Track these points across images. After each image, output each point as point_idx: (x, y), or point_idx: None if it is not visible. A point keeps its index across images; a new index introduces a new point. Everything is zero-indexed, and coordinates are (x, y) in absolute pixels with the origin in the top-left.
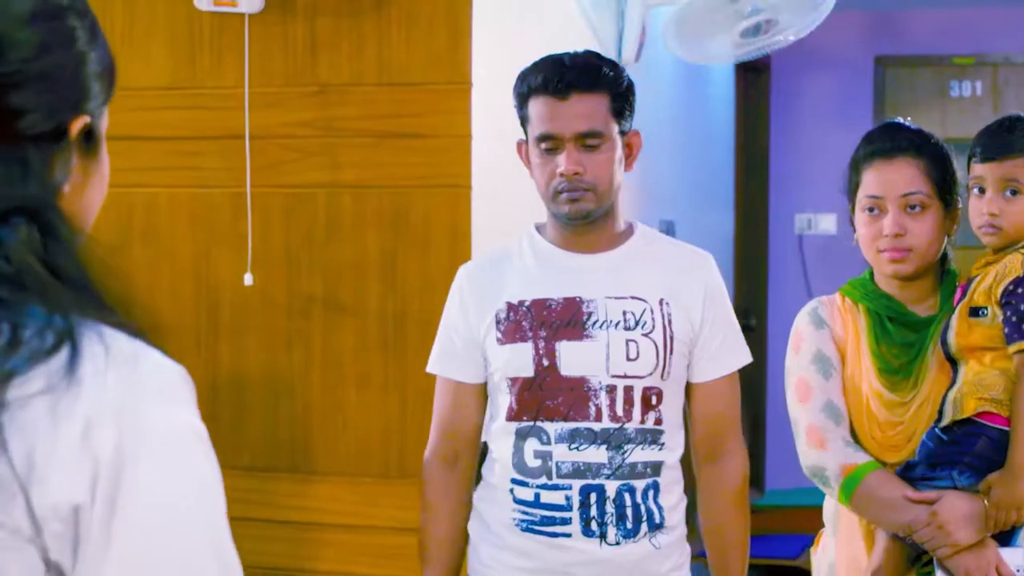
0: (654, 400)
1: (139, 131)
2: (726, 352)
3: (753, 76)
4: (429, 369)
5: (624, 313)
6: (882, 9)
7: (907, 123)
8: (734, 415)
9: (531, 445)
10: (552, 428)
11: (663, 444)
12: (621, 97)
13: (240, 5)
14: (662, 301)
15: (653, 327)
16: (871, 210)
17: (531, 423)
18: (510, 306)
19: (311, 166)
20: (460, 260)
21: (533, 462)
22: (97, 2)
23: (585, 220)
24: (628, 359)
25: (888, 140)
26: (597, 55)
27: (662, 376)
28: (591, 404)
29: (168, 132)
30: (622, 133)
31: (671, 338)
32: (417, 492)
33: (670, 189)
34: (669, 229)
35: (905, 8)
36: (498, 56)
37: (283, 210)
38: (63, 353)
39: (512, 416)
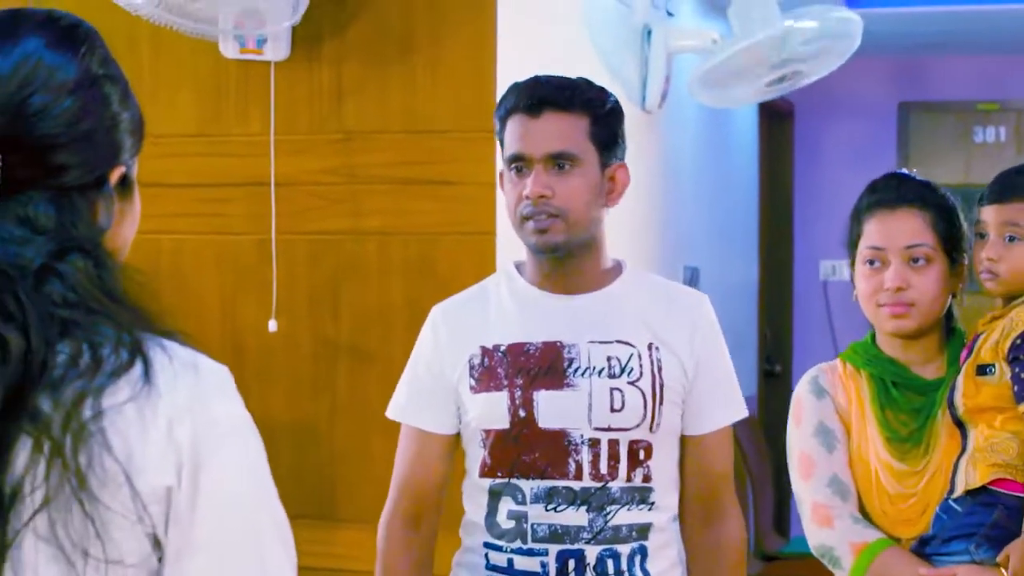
0: (642, 455)
1: (166, 178)
2: (720, 404)
3: (777, 122)
4: (391, 414)
5: (609, 359)
6: (906, 55)
7: (913, 174)
8: (727, 473)
9: (505, 504)
10: (527, 486)
11: (652, 504)
12: (602, 121)
13: (266, 53)
14: (651, 346)
15: (641, 374)
16: (872, 262)
17: (505, 480)
18: (484, 351)
19: (336, 213)
20: None
21: (507, 523)
22: (125, 50)
23: (554, 254)
24: (612, 409)
25: (892, 190)
26: (586, 80)
27: (651, 428)
28: (570, 460)
29: (194, 179)
30: (604, 164)
31: (661, 386)
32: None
33: (694, 235)
34: (693, 276)
35: (929, 54)
36: None
37: (308, 257)
38: (138, 365)
39: (485, 472)
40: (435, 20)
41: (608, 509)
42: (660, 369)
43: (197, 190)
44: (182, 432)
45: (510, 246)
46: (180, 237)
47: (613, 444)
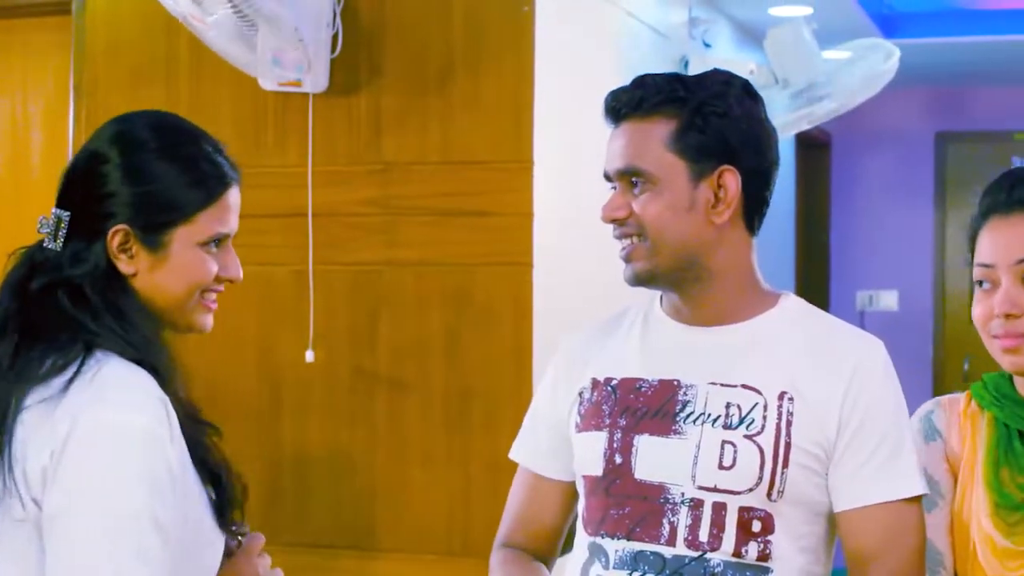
0: (757, 526)
1: None
2: (874, 475)
3: (814, 152)
4: (511, 455)
5: (728, 406)
6: (943, 85)
7: None
8: (896, 563)
9: (593, 568)
10: (613, 548)
11: None
12: (694, 123)
13: (305, 85)
14: (783, 395)
15: (763, 428)
16: (981, 283)
17: (594, 538)
18: (595, 384)
19: (373, 244)
20: (523, 338)
21: None
22: (163, 82)
23: (645, 285)
24: (721, 466)
25: (1004, 192)
26: (678, 76)
27: (769, 495)
28: (665, 521)
29: None
30: (699, 174)
31: (787, 445)
32: (480, 570)
33: None
34: None
35: (966, 85)
36: (560, 135)
37: (346, 288)
38: (68, 373)
39: (584, 526)
40: (473, 51)
41: None
42: (790, 424)
43: None
44: (62, 427)
45: (547, 277)
46: None
47: (719, 508)
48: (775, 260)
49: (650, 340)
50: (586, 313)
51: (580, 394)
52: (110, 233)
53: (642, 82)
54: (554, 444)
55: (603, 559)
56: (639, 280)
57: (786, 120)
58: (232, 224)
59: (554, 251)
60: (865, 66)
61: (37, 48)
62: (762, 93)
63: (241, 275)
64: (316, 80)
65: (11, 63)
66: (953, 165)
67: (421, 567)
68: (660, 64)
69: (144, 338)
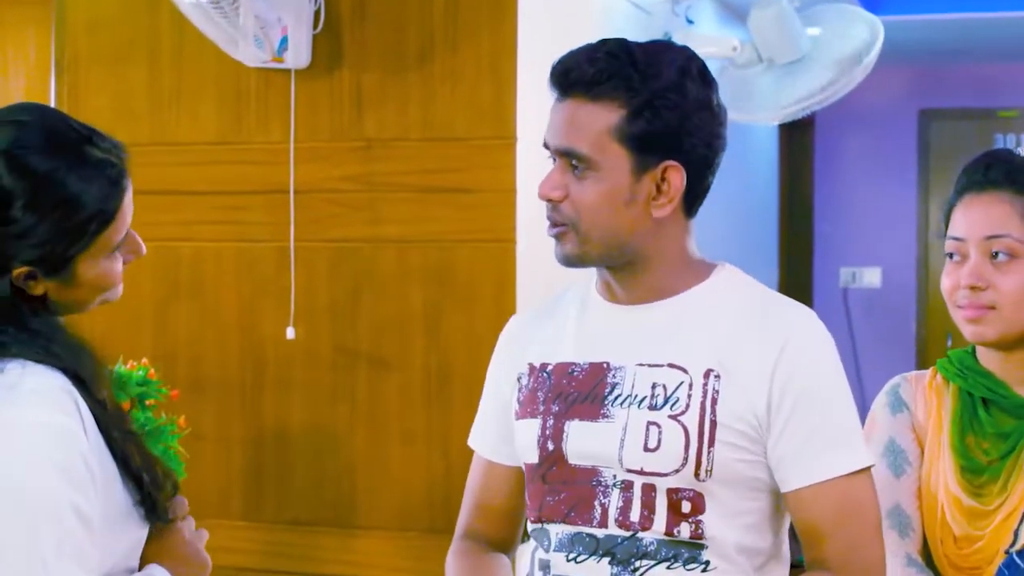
0: (686, 507)
1: (186, 186)
2: (818, 450)
3: (797, 131)
4: (468, 441)
5: (654, 387)
6: (926, 63)
7: (1017, 152)
8: (843, 539)
9: (538, 554)
10: (553, 531)
11: (708, 566)
12: (644, 113)
13: (287, 61)
14: (709, 373)
15: (687, 407)
16: (951, 256)
17: (537, 524)
18: (532, 370)
19: (355, 220)
20: (505, 315)
21: (536, 573)
22: (146, 58)
23: (573, 267)
24: (647, 448)
25: (980, 171)
26: (632, 55)
27: (697, 475)
28: (596, 504)
29: (214, 187)
30: (642, 167)
31: (712, 424)
32: None
33: (714, 244)
34: None
35: (949, 62)
36: (543, 111)
37: (327, 264)
38: None
39: (528, 513)
40: (455, 28)
41: (637, 565)
42: (715, 403)
43: (217, 198)
44: None
45: (530, 254)
46: (200, 244)
47: (648, 490)
48: (758, 238)
49: (584, 322)
50: None
51: (519, 379)
52: (14, 273)
53: (594, 56)
54: (502, 430)
55: (545, 543)
56: (568, 262)
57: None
58: (130, 219)
59: (537, 228)
60: (850, 42)
61: (18, 24)
62: (745, 72)
63: (144, 250)
64: (298, 56)
65: None
66: (936, 142)
67: (402, 544)
68: (643, 39)
69: (66, 347)
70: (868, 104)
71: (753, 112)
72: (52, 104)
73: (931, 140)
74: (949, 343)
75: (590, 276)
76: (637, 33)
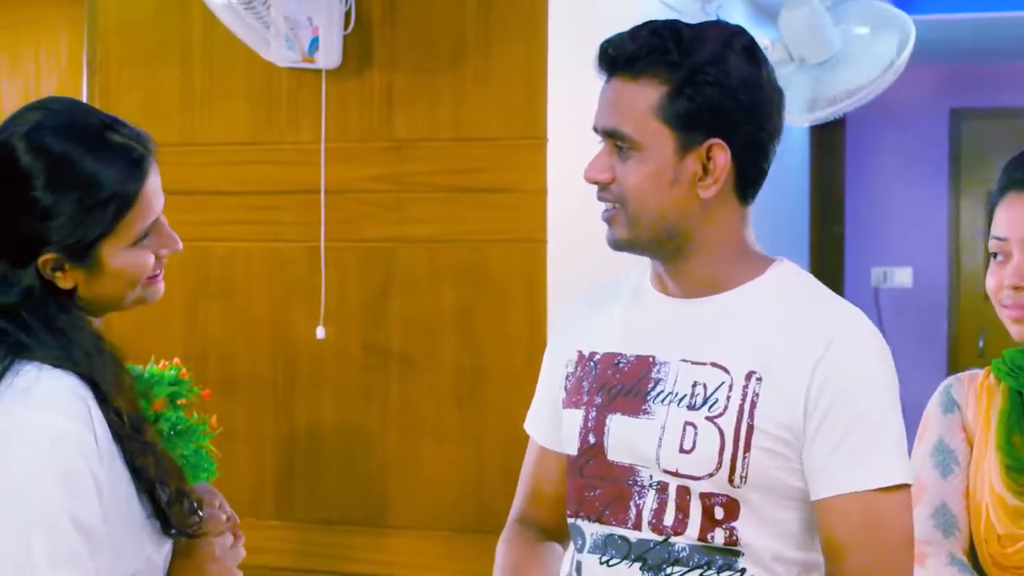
0: (719, 513)
1: (217, 186)
2: (850, 460)
3: (828, 130)
4: (524, 424)
5: (694, 385)
6: (957, 62)
7: None
8: (870, 558)
9: (574, 553)
10: (588, 531)
11: (743, 574)
12: (687, 91)
13: (318, 61)
14: (751, 375)
15: (725, 409)
16: (995, 255)
17: (573, 519)
18: (580, 357)
19: (386, 220)
20: (536, 314)
21: (573, 574)
22: (177, 58)
23: (626, 251)
24: (682, 450)
25: (1021, 169)
26: (676, 31)
27: (731, 480)
28: (631, 504)
29: (245, 187)
30: (687, 145)
31: (749, 428)
32: (493, 545)
33: None
34: None
35: (980, 61)
36: (573, 110)
37: (358, 264)
38: None
39: (566, 506)
40: (486, 27)
41: (669, 571)
42: (754, 406)
43: (248, 198)
44: None
45: (560, 253)
46: (230, 244)
47: (683, 493)
48: (789, 237)
49: (634, 313)
50: None
51: (567, 366)
52: (40, 261)
53: (636, 35)
54: (554, 416)
55: (580, 542)
56: (618, 246)
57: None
58: (157, 207)
59: (568, 227)
60: (882, 41)
61: (50, 25)
62: (777, 71)
63: (180, 246)
64: (329, 57)
65: (24, 39)
66: (967, 141)
67: (434, 543)
68: None
69: (85, 353)
70: (899, 103)
71: (787, 112)
72: None
73: (962, 139)
74: (981, 343)
75: (644, 265)
76: None
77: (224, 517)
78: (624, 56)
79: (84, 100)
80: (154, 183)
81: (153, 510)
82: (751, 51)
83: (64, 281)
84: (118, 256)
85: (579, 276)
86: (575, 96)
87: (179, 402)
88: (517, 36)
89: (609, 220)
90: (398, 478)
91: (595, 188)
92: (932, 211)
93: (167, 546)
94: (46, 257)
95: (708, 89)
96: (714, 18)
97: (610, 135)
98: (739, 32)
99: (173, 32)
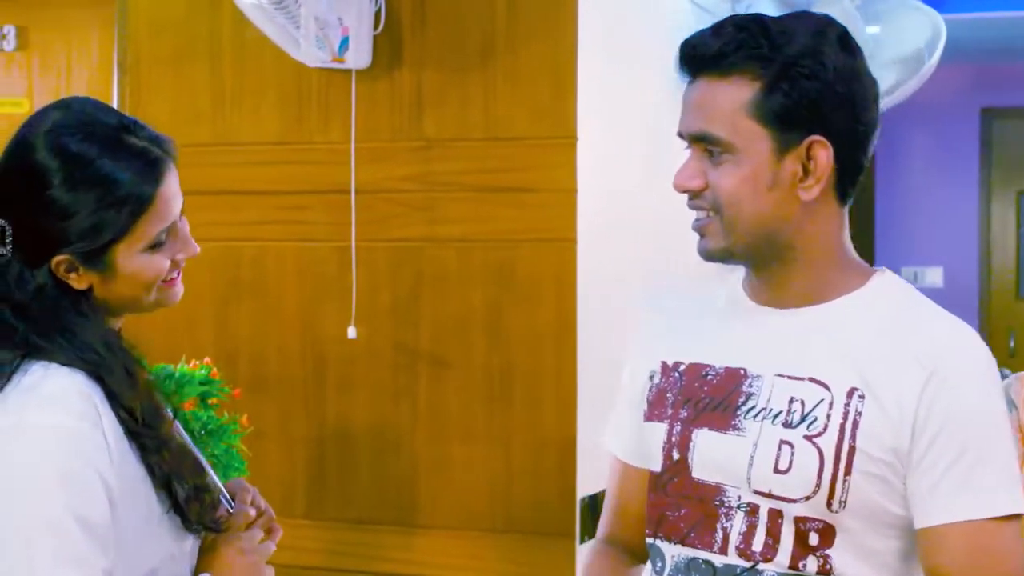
0: (815, 539)
1: (247, 186)
2: (954, 487)
3: None
4: (603, 439)
5: (791, 401)
6: (988, 61)
7: None
8: None
9: (647, 573)
10: (669, 552)
11: None
12: (783, 85)
13: (348, 61)
14: (853, 392)
15: (825, 428)
16: None
17: (652, 540)
18: (664, 368)
19: (416, 220)
20: (566, 315)
21: None
22: (207, 58)
23: (719, 262)
24: (777, 470)
25: None
26: (763, 25)
27: (830, 505)
28: (718, 527)
29: (275, 187)
30: (785, 145)
31: (851, 450)
32: (523, 546)
33: None
34: None
35: (1011, 60)
36: (603, 110)
37: (388, 264)
38: (3, 383)
39: (646, 524)
40: (515, 26)
41: None
42: (856, 426)
43: (278, 198)
44: None
45: (590, 253)
46: (261, 244)
47: (775, 516)
48: None
49: (725, 323)
50: (630, 290)
51: (650, 377)
52: (53, 262)
53: (720, 30)
54: (634, 429)
55: (659, 564)
56: (711, 257)
57: None
58: (175, 211)
59: (597, 226)
60: (913, 41)
61: (81, 25)
62: None
63: (197, 250)
64: (359, 57)
65: (55, 40)
66: (998, 141)
67: (463, 543)
68: None
69: (94, 351)
70: (929, 102)
71: None
72: (115, 105)
73: (993, 138)
74: (1012, 343)
75: (736, 271)
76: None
77: (253, 512)
78: (710, 54)
79: (115, 100)
80: (171, 186)
81: (172, 505)
82: (845, 40)
83: (78, 282)
84: (132, 259)
85: (609, 276)
86: (605, 95)
87: (210, 401)
88: (546, 36)
89: (701, 230)
90: (428, 478)
91: (625, 186)
92: (963, 211)
93: (190, 540)
94: (59, 259)
95: (804, 82)
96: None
97: (700, 139)
98: (831, 21)
99: (203, 32)
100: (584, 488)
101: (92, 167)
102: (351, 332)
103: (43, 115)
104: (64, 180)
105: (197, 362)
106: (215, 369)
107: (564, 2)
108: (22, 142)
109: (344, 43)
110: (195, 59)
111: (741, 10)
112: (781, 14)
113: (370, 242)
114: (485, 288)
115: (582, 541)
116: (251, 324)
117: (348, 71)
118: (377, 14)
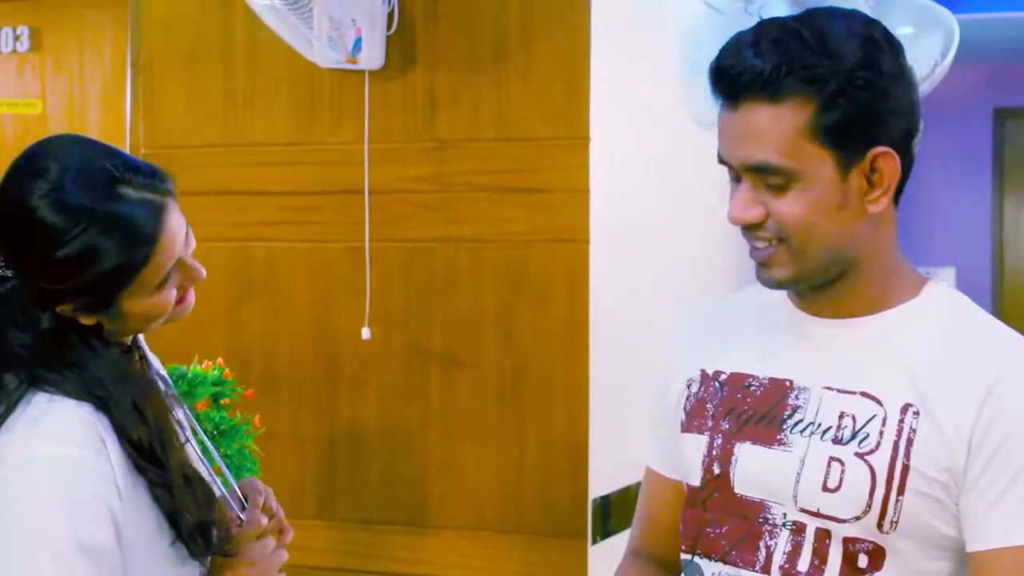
0: (864, 561)
1: (260, 186)
2: (1011, 510)
3: None
4: (631, 448)
5: (841, 416)
6: (1001, 62)
7: None
8: None
9: None
10: (708, 570)
11: None
12: (839, 101)
13: (360, 62)
14: (907, 408)
15: (878, 446)
16: None
17: (689, 556)
18: (704, 377)
19: (429, 221)
20: (579, 315)
21: None
22: (220, 59)
23: (789, 289)
24: (825, 488)
25: None
26: (805, 41)
27: (880, 525)
28: (761, 545)
29: (288, 187)
30: (849, 162)
31: (905, 468)
32: (534, 546)
33: None
34: None
35: None
36: (616, 110)
37: (401, 264)
38: (6, 413)
39: (681, 539)
40: (528, 27)
41: None
42: (910, 444)
43: (291, 198)
44: None
45: (603, 254)
46: (274, 245)
47: (822, 536)
48: None
49: (770, 330)
50: (643, 291)
51: (688, 386)
52: (58, 308)
53: (758, 48)
54: (667, 439)
55: None
56: (780, 286)
57: None
58: (178, 248)
59: (610, 228)
60: (926, 41)
61: (94, 25)
62: None
63: (204, 274)
64: (372, 58)
65: (68, 40)
66: (1011, 141)
67: (475, 544)
68: (715, 40)
69: (102, 384)
70: (942, 103)
71: None
72: (128, 104)
73: (1006, 139)
74: None
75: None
76: (710, 31)
77: (265, 520)
78: (759, 80)
79: (128, 101)
80: (172, 226)
81: (177, 537)
82: (890, 40)
83: (87, 320)
84: (138, 304)
85: (621, 277)
86: (618, 96)
87: (222, 402)
88: (559, 36)
89: (768, 261)
90: (439, 478)
91: (638, 187)
92: (975, 211)
93: (198, 566)
94: (64, 308)
95: (862, 95)
96: (756, 17)
97: (756, 170)
98: (870, 21)
99: (216, 33)
100: (596, 489)
101: (94, 229)
102: (365, 333)
103: (37, 170)
104: (67, 242)
105: (210, 362)
106: (228, 370)
107: (577, 2)
108: (21, 203)
109: (357, 44)
110: (208, 60)
111: (755, 11)
112: (793, 13)
113: (383, 242)
114: (498, 288)
115: (594, 542)
116: (263, 324)
117: (361, 72)
118: (390, 15)
